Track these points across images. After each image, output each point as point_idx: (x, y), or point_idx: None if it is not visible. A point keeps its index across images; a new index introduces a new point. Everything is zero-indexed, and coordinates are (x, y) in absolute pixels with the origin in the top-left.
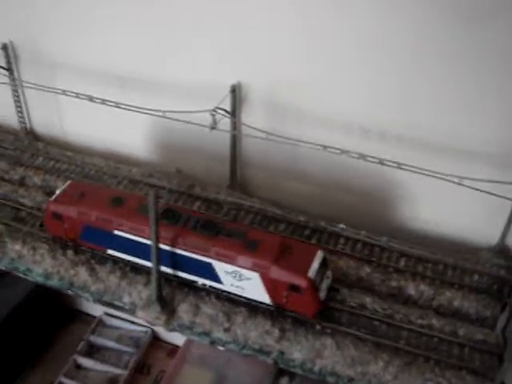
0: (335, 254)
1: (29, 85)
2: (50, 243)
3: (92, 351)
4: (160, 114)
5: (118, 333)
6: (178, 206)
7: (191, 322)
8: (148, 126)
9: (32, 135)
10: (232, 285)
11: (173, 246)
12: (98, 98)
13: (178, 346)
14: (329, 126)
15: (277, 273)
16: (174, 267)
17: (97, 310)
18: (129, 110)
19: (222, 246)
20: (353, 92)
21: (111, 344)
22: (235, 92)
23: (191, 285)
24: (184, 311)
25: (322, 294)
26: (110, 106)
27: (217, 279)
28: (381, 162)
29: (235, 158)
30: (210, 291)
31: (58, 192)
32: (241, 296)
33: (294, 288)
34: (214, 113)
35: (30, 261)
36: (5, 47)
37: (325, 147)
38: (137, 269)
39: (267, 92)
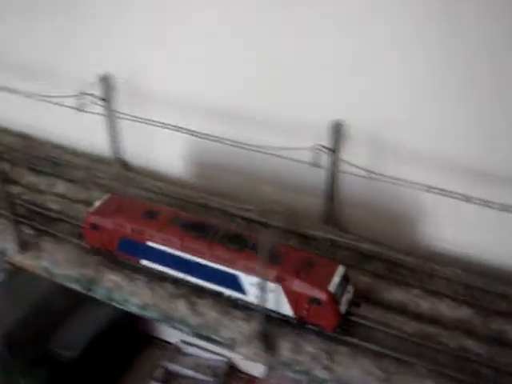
0: (435, 294)
1: (124, 116)
2: (147, 274)
3: (168, 378)
4: (263, 150)
5: (195, 361)
6: (205, 220)
7: (292, 360)
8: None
9: (122, 164)
10: (256, 296)
11: (201, 257)
12: (198, 133)
13: (255, 377)
14: (430, 166)
15: (298, 285)
16: (201, 278)
17: (173, 337)
18: (237, 146)
19: (248, 258)
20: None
21: (188, 372)
22: (337, 128)
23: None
24: (285, 348)
25: (343, 308)
26: (212, 140)
27: (242, 291)
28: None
29: (332, 194)
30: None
31: (96, 204)
32: (264, 308)
33: (314, 301)
34: (318, 150)
35: (127, 291)
36: (104, 79)
37: (429, 188)
38: (236, 304)
39: (368, 129)
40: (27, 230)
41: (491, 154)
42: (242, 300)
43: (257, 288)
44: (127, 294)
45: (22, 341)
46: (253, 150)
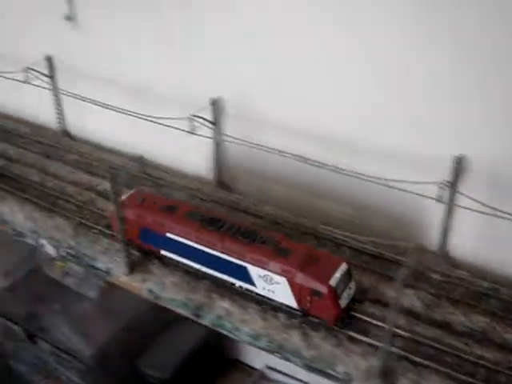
0: None
1: (231, 139)
2: (259, 302)
3: None
4: (383, 181)
5: None
6: (220, 214)
7: None
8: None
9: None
10: (264, 288)
11: (214, 249)
12: (311, 160)
13: None
14: None
15: (302, 278)
16: (215, 269)
17: (258, 362)
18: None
19: (256, 251)
20: None
21: None
22: (459, 164)
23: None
24: None
25: (343, 302)
26: (315, 165)
27: (251, 282)
28: None
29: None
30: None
31: (123, 197)
32: (271, 299)
33: (316, 293)
34: (442, 185)
35: (238, 319)
36: (214, 102)
37: None
38: (352, 338)
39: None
40: (136, 253)
41: None
42: (251, 291)
43: (264, 280)
44: (238, 322)
45: (114, 358)
46: (371, 181)
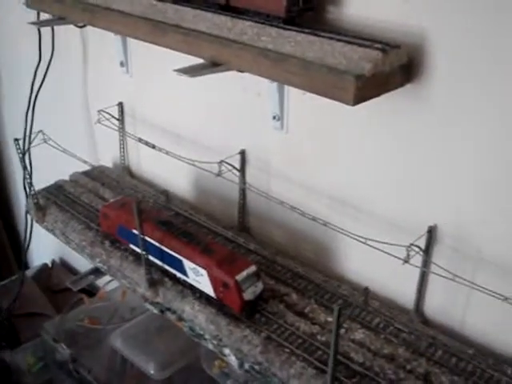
0: None
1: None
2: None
3: None
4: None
5: None
6: (172, 218)
7: None
8: None
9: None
10: (193, 279)
11: (163, 245)
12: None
13: None
14: None
15: (217, 272)
16: (165, 262)
17: None
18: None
19: (190, 248)
20: None
21: None
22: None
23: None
24: None
25: (247, 296)
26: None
27: (185, 273)
28: None
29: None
30: None
31: (111, 201)
32: (198, 288)
33: (225, 285)
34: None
35: None
36: (431, 231)
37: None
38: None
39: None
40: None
41: None
42: (185, 281)
43: (193, 272)
44: None
45: None
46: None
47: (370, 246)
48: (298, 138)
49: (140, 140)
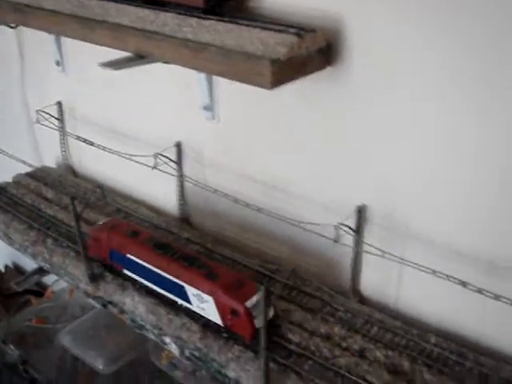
0: None
1: (372, 249)
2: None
3: None
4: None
5: None
6: (169, 241)
7: None
8: None
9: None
10: (197, 306)
11: (161, 270)
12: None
13: None
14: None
15: (224, 299)
16: (162, 287)
17: None
18: None
19: (192, 273)
20: None
21: None
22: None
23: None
24: None
25: (258, 323)
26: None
27: (187, 300)
28: None
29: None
30: None
31: (99, 223)
32: (203, 316)
33: (234, 312)
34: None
35: None
36: (360, 210)
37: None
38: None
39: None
40: (273, 365)
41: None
42: (188, 308)
43: (197, 298)
44: None
45: None
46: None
47: (302, 227)
48: (229, 128)
49: (79, 138)
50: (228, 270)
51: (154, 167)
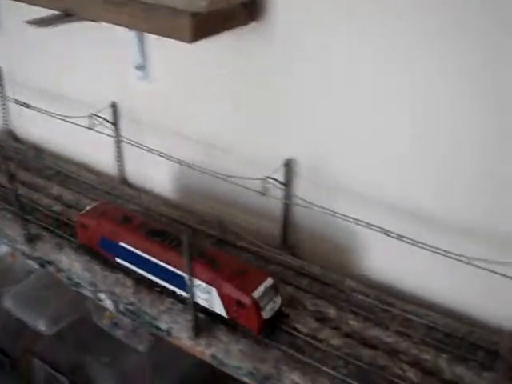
0: None
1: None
2: (331, 379)
3: None
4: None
5: None
6: (168, 228)
7: None
8: None
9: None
10: (199, 297)
11: (159, 260)
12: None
13: None
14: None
15: (229, 289)
16: (160, 277)
17: None
18: None
19: (192, 262)
20: None
21: None
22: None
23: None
24: None
25: (266, 314)
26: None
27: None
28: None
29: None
30: None
31: (88, 208)
32: (206, 307)
33: (240, 304)
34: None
35: None
36: (287, 164)
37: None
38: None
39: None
40: (202, 315)
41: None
42: (186, 298)
43: (199, 289)
44: None
45: None
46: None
47: (231, 182)
48: (163, 87)
49: (17, 102)
50: (231, 257)
51: (90, 128)
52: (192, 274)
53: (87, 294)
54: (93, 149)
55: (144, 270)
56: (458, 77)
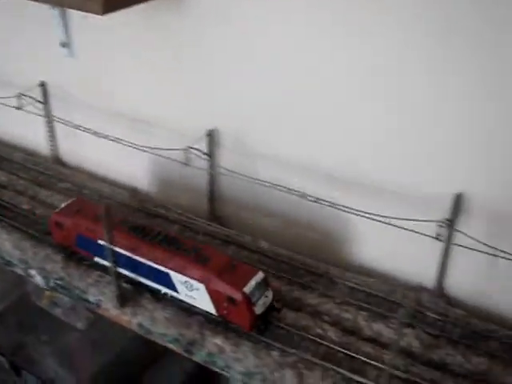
0: None
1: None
2: (253, 340)
3: None
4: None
5: None
6: (150, 224)
7: None
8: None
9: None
10: (186, 294)
11: (141, 256)
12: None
13: None
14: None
15: (219, 285)
16: (143, 275)
17: None
18: None
19: (178, 258)
20: None
21: None
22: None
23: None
24: None
25: (258, 309)
26: (322, 203)
27: (174, 288)
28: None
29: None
30: None
31: (62, 205)
32: (193, 305)
33: (231, 300)
34: (440, 224)
35: (230, 357)
36: (210, 134)
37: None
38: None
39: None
40: (127, 285)
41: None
42: (174, 297)
43: (185, 286)
44: (230, 359)
45: None
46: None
47: (155, 154)
48: (88, 64)
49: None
50: (218, 252)
51: (19, 108)
52: (112, 243)
53: (19, 271)
54: (24, 129)
55: (126, 268)
56: None
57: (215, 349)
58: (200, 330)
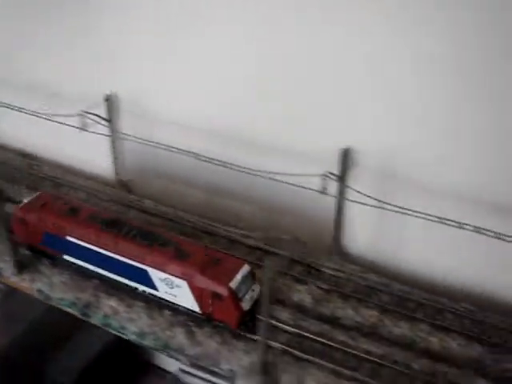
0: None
1: (127, 137)
2: (146, 300)
3: None
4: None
5: None
6: (121, 216)
7: None
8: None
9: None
10: (166, 292)
11: (115, 252)
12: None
13: None
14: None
15: (202, 281)
16: (118, 273)
17: (171, 366)
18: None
19: (157, 253)
20: None
21: None
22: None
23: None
24: (287, 382)
25: (246, 305)
26: (215, 163)
27: (153, 286)
28: None
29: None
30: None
31: (25, 201)
32: (174, 303)
33: (217, 296)
34: (325, 177)
35: (125, 318)
36: (108, 99)
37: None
38: (238, 335)
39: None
40: (26, 252)
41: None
42: (154, 296)
43: (165, 283)
44: (125, 320)
45: (18, 362)
46: (258, 176)
47: (50, 119)
48: None
49: None
50: (199, 246)
51: None
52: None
53: None
54: None
55: (99, 266)
56: None
57: (110, 311)
58: (95, 293)
